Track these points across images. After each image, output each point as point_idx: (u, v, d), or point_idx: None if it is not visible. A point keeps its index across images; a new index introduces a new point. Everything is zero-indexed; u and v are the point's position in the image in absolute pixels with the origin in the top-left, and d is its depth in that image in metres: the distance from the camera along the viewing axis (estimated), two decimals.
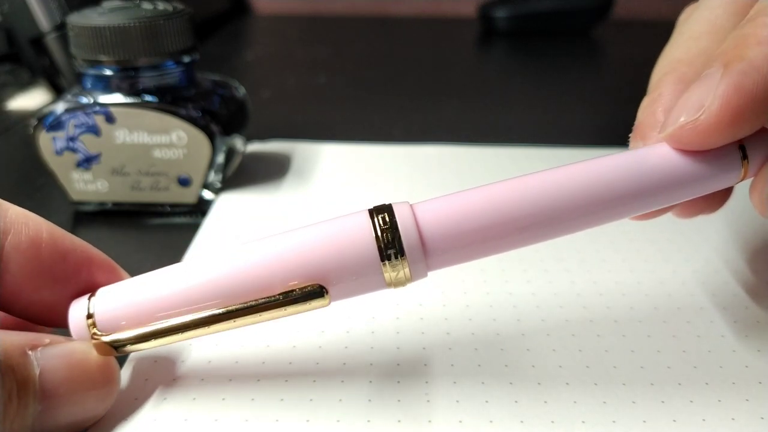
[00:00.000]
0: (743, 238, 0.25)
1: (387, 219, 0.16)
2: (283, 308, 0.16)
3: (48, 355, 0.15)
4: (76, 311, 0.16)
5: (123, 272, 0.18)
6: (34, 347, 0.15)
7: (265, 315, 0.16)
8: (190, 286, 0.16)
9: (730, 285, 0.22)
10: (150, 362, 0.19)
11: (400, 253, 0.15)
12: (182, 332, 0.16)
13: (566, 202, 0.16)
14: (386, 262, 0.15)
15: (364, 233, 0.16)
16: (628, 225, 0.26)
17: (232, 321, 0.16)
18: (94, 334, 0.16)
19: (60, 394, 0.15)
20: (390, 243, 0.15)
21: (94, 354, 0.16)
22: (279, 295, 0.16)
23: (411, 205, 0.16)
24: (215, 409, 0.17)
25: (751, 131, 0.16)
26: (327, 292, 0.16)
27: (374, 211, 0.16)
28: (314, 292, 0.16)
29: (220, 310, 0.16)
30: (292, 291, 0.16)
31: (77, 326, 0.16)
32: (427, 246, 0.16)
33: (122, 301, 0.16)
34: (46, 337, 0.15)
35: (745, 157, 0.16)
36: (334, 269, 0.15)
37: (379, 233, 0.15)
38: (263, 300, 0.16)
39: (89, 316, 0.16)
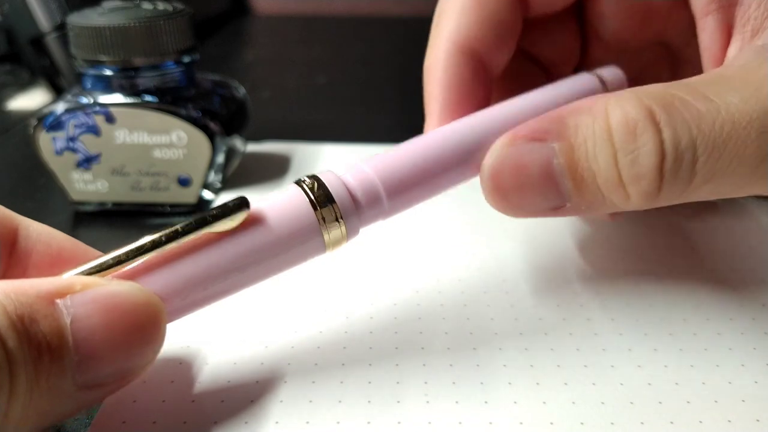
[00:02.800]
0: (738, 238, 0.25)
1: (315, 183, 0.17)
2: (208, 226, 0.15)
3: (79, 301, 0.14)
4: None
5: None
6: (61, 295, 0.14)
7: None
8: None
9: (726, 283, 0.22)
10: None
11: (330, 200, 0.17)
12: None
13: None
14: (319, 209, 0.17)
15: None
16: (625, 224, 0.26)
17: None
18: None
19: (98, 343, 0.14)
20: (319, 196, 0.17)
21: (134, 294, 0.14)
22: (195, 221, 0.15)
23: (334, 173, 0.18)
24: (214, 410, 0.17)
25: None
26: (248, 206, 0.16)
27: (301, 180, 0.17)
28: (234, 206, 0.16)
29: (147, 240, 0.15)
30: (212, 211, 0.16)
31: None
32: (355, 195, 0.18)
33: None
34: (77, 283, 0.14)
35: None
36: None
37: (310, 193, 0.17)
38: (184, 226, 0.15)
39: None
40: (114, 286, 0.14)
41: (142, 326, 0.14)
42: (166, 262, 0.16)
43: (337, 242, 0.17)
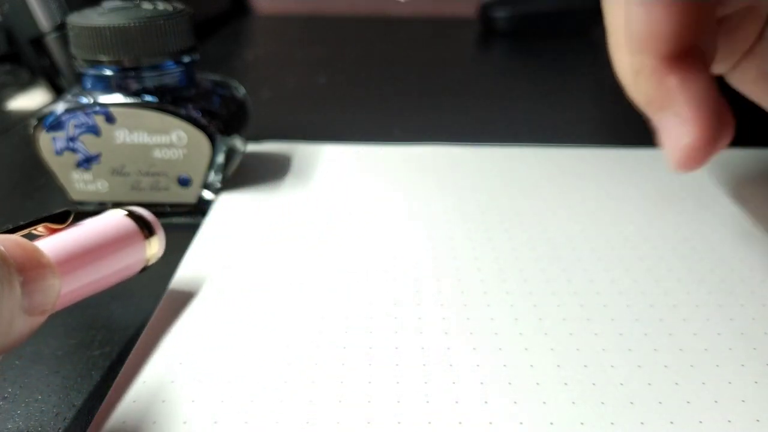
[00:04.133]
0: (737, 237, 0.25)
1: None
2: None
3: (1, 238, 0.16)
4: None
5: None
6: None
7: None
8: None
9: (725, 283, 0.22)
10: (147, 365, 0.19)
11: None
12: None
13: None
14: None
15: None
16: (624, 223, 0.26)
17: None
18: None
19: (27, 267, 0.16)
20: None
21: (29, 243, 0.17)
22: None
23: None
24: (214, 411, 0.17)
25: None
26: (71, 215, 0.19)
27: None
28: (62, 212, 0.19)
29: None
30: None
31: None
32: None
33: None
34: None
35: None
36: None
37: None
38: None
39: None
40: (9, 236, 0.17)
41: (39, 255, 0.17)
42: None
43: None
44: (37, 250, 0.16)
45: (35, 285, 0.16)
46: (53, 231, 0.19)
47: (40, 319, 0.16)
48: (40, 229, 0.18)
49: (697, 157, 0.18)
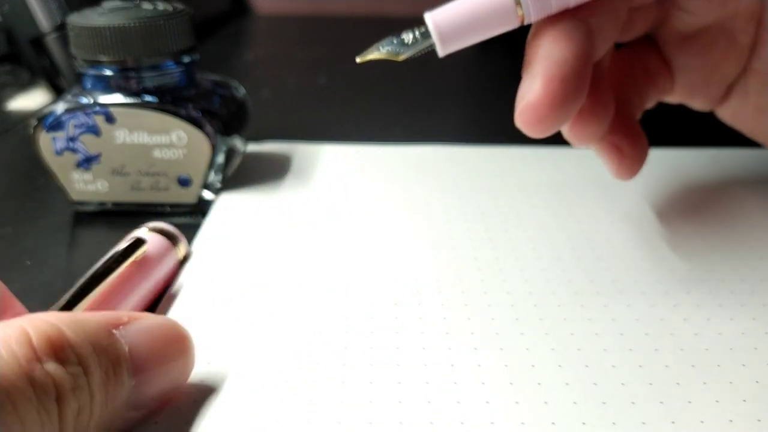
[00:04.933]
0: (737, 237, 0.25)
1: None
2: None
3: (131, 331, 0.16)
4: None
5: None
6: (116, 326, 0.15)
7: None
8: None
9: (726, 283, 0.22)
10: None
11: None
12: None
13: None
14: None
15: None
16: (624, 223, 0.26)
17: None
18: None
19: (148, 366, 0.16)
20: None
21: (171, 325, 0.17)
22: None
23: None
24: (214, 411, 0.17)
25: None
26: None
27: None
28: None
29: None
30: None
31: None
32: None
33: None
34: (123, 315, 0.16)
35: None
36: None
37: None
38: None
39: None
40: (153, 318, 0.16)
41: (179, 352, 0.17)
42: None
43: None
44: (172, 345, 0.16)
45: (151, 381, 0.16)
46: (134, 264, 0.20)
47: (150, 412, 0.16)
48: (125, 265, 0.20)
49: (539, 117, 0.19)
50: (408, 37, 0.20)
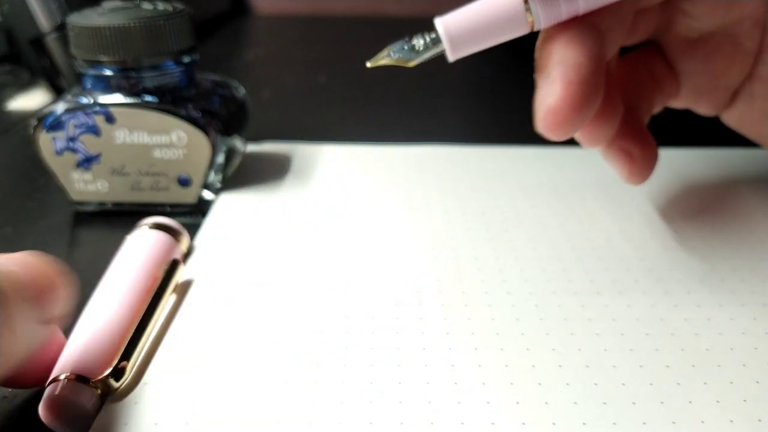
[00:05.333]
0: (737, 236, 0.25)
1: None
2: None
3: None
4: None
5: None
6: None
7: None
8: None
9: (726, 282, 0.22)
10: (147, 365, 0.19)
11: None
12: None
13: None
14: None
15: None
16: (624, 223, 0.26)
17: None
18: None
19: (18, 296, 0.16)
20: None
21: (42, 260, 0.17)
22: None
23: None
24: (216, 411, 0.17)
25: None
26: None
27: None
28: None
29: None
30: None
31: None
32: None
33: None
34: None
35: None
36: None
37: None
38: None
39: None
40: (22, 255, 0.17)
41: (53, 284, 0.17)
42: None
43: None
44: (47, 271, 0.17)
45: (46, 300, 0.16)
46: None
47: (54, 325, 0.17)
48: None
49: (561, 120, 0.19)
50: (418, 43, 0.20)
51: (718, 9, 0.22)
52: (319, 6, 0.72)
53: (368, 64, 0.20)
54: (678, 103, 0.26)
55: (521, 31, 0.19)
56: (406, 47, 0.20)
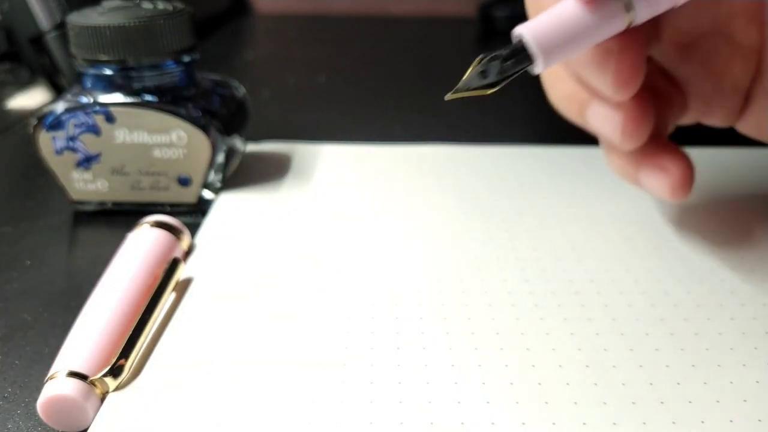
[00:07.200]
0: (737, 236, 0.25)
1: None
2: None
3: None
4: None
5: None
6: None
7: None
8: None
9: (726, 283, 0.22)
10: (147, 366, 0.19)
11: None
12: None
13: None
14: None
15: None
16: (624, 223, 0.26)
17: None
18: None
19: None
20: None
21: None
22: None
23: None
24: (217, 411, 0.17)
25: None
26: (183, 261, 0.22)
27: None
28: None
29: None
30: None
31: None
32: None
33: None
34: None
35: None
36: None
37: None
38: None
39: None
40: None
41: None
42: None
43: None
44: None
45: None
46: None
47: None
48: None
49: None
50: (496, 63, 0.18)
51: (702, 6, 0.22)
52: (319, 5, 0.72)
53: (447, 98, 0.18)
54: (690, 116, 0.25)
55: (616, 30, 0.18)
56: (484, 70, 0.18)
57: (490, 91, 0.18)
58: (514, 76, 0.18)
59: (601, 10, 0.17)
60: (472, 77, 0.18)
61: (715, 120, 0.24)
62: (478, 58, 0.18)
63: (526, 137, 0.35)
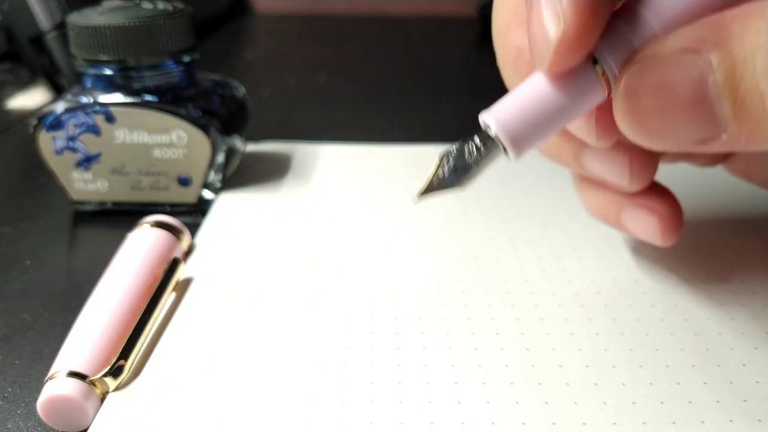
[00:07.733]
0: (737, 236, 0.25)
1: None
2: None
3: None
4: None
5: None
6: None
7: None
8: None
9: (726, 283, 0.22)
10: (146, 366, 0.19)
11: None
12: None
13: None
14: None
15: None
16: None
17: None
18: None
19: None
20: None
21: None
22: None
23: None
24: (217, 411, 0.17)
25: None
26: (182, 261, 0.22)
27: None
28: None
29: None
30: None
31: None
32: None
33: None
34: None
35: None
36: None
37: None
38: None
39: None
40: None
41: None
42: None
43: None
44: None
45: None
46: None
47: None
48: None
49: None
50: (464, 158, 0.16)
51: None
52: (319, 5, 0.72)
53: (415, 199, 0.17)
54: (673, 156, 0.23)
55: (595, 102, 0.16)
56: (452, 164, 0.16)
57: (464, 187, 0.17)
58: (484, 169, 0.17)
59: (575, 81, 0.15)
60: (443, 175, 0.17)
61: (700, 161, 0.24)
62: (441, 155, 0.17)
63: None
